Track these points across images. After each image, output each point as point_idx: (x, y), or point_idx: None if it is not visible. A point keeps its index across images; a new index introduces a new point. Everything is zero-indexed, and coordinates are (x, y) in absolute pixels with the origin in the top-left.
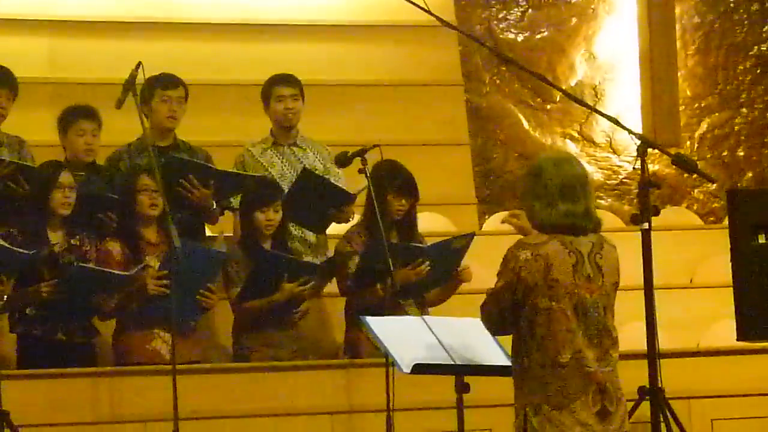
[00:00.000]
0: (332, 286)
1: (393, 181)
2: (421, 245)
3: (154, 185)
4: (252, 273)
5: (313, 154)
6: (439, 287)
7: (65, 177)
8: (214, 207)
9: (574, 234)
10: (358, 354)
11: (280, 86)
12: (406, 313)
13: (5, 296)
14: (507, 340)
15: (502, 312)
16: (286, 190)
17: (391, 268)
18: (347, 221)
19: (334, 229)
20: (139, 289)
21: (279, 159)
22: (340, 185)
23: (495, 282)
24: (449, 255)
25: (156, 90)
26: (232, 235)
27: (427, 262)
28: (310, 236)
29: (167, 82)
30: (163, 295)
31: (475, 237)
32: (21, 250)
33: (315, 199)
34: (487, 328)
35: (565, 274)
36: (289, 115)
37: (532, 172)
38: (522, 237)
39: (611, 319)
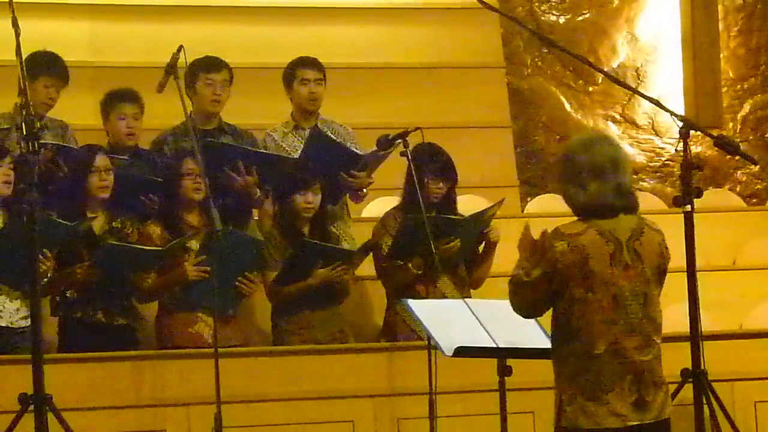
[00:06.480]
0: (372, 269)
1: (430, 164)
2: (455, 217)
3: (198, 169)
4: (289, 259)
5: (333, 134)
6: (475, 264)
7: (101, 160)
8: (258, 194)
9: (610, 214)
10: (394, 337)
11: (304, 69)
12: (442, 294)
13: (48, 274)
14: (547, 320)
15: (537, 301)
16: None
17: (433, 248)
18: (362, 191)
19: (372, 212)
20: (180, 275)
21: (301, 142)
22: (348, 147)
23: (529, 269)
24: (480, 222)
25: (200, 73)
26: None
27: (458, 240)
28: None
29: (211, 65)
30: (203, 280)
31: (516, 219)
32: (62, 221)
33: (325, 163)
34: (519, 312)
35: (602, 264)
36: (312, 99)
37: (563, 159)
38: (559, 225)
39: (654, 305)
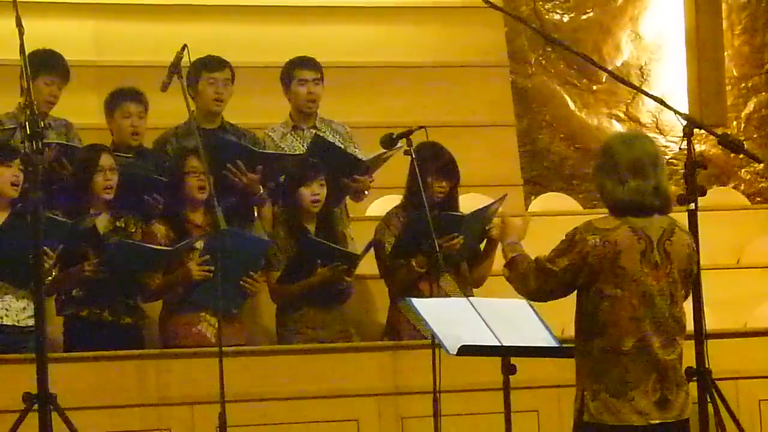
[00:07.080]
0: (375, 268)
1: (433, 164)
2: (458, 213)
3: (202, 168)
4: (294, 258)
5: (332, 134)
6: (477, 261)
7: (105, 160)
8: (261, 192)
9: (644, 213)
10: (398, 336)
11: (302, 69)
12: (446, 292)
13: (53, 272)
14: (551, 319)
15: (555, 290)
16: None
17: (437, 247)
18: (363, 193)
19: (375, 211)
20: (184, 275)
21: (300, 143)
22: (351, 153)
23: (553, 257)
24: (483, 220)
25: (202, 72)
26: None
27: (461, 237)
28: None
29: (213, 64)
30: (207, 279)
31: (519, 218)
32: (63, 219)
33: (328, 168)
34: (525, 294)
35: (633, 261)
36: (310, 99)
37: (603, 152)
38: (592, 219)
39: (680, 306)
